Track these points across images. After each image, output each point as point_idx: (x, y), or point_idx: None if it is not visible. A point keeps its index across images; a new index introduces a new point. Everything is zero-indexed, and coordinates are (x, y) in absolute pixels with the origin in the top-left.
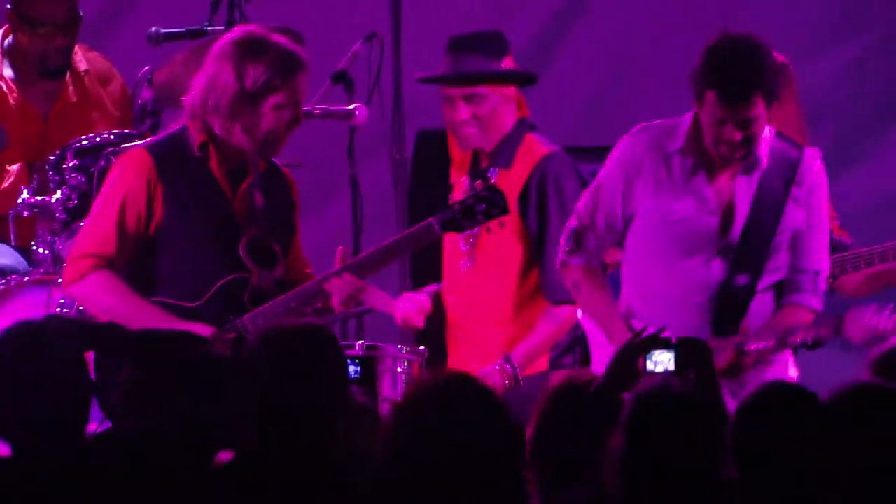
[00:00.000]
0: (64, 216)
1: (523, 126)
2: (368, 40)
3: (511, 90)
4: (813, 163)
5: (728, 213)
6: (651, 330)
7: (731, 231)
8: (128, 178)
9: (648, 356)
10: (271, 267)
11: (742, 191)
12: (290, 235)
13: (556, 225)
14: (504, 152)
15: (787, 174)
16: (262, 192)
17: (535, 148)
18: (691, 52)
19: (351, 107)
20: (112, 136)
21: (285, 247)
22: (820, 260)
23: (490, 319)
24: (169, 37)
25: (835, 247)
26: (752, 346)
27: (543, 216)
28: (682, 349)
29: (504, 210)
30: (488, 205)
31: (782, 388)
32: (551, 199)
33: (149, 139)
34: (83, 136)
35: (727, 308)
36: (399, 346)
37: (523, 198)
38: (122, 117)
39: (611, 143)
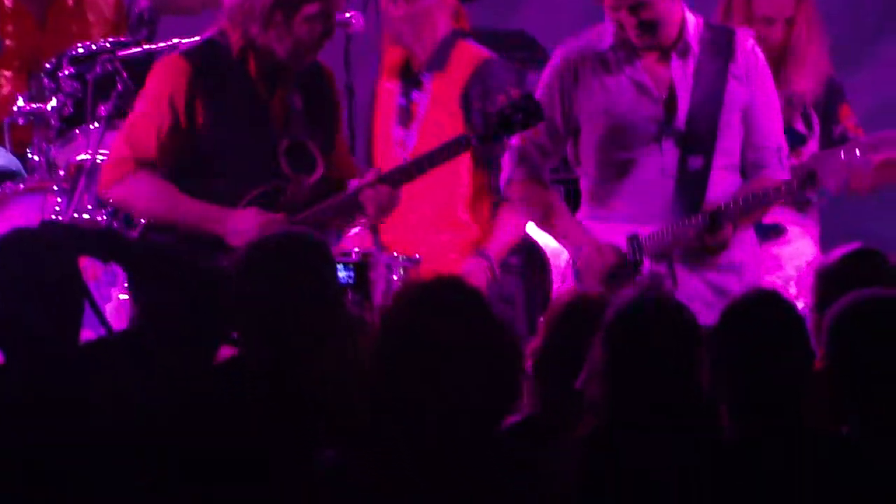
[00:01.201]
0: (59, 124)
1: (458, 33)
2: None
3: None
4: (745, 41)
5: (670, 99)
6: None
7: (677, 115)
8: (166, 83)
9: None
10: (310, 171)
11: (679, 75)
12: (331, 135)
13: None
14: (437, 56)
15: (721, 54)
16: (300, 95)
17: (472, 51)
18: None
19: (347, 15)
20: (108, 44)
21: (326, 148)
22: (778, 135)
23: (443, 225)
24: None
25: None
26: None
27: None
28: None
29: (541, 118)
30: (525, 114)
31: (762, 296)
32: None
33: (185, 44)
34: (79, 44)
35: (687, 192)
36: (395, 254)
37: (465, 99)
38: (118, 24)
39: None
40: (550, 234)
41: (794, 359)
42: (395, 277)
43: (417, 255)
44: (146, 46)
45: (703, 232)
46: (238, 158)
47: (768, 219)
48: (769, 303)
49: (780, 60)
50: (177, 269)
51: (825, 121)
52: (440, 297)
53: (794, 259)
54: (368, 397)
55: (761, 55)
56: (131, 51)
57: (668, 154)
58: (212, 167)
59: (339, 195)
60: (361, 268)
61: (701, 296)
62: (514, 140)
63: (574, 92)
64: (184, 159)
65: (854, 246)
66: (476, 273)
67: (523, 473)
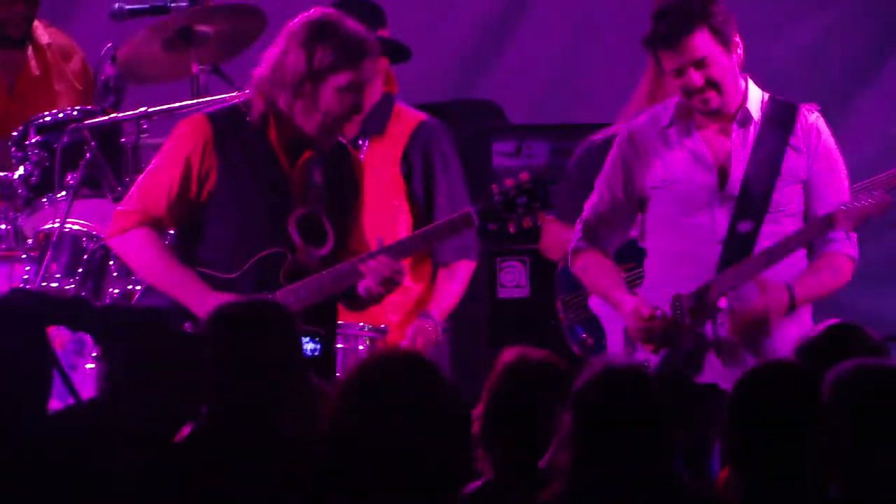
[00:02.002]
0: (26, 192)
1: (389, 97)
2: None
3: (383, 62)
4: (809, 113)
5: (725, 166)
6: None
7: (730, 182)
8: (186, 142)
9: None
10: (319, 245)
11: (737, 143)
12: (348, 216)
13: (443, 188)
14: (375, 120)
15: (782, 124)
16: (322, 168)
17: (408, 114)
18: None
19: None
20: (75, 112)
21: (341, 227)
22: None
23: None
24: (133, 13)
25: None
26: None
27: (430, 181)
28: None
29: (545, 204)
30: (529, 197)
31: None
32: (436, 164)
33: (210, 108)
34: (46, 112)
35: (733, 255)
36: (361, 324)
37: (405, 161)
38: (85, 92)
39: (572, 121)
40: (605, 300)
41: (810, 430)
42: (360, 348)
43: (383, 325)
44: (113, 115)
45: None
46: (251, 221)
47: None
48: (786, 375)
49: None
50: (144, 336)
51: None
52: (393, 373)
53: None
54: (325, 472)
55: (825, 129)
56: (98, 119)
57: (720, 219)
58: (223, 227)
59: (339, 265)
60: (327, 340)
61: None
62: (584, 213)
63: (635, 165)
64: (194, 218)
65: (834, 321)
66: (421, 335)
67: None
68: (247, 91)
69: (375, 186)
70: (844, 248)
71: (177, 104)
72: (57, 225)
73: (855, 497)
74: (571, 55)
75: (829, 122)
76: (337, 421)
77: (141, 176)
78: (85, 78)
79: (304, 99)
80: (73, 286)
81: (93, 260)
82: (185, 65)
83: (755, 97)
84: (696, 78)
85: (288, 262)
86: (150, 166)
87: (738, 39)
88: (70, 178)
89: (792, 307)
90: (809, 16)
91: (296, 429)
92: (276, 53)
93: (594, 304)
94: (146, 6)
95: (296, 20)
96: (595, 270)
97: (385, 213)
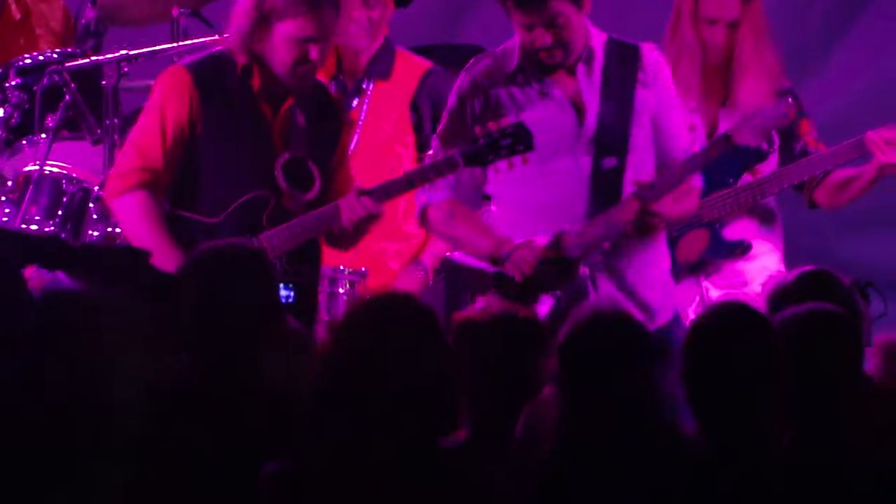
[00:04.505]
0: (6, 135)
1: (390, 42)
2: None
3: (389, 6)
4: (651, 52)
5: (579, 106)
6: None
7: (587, 120)
8: (168, 94)
9: None
10: (306, 189)
11: (585, 84)
12: (333, 159)
13: None
14: (380, 64)
15: (628, 61)
16: (305, 114)
17: (414, 61)
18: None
19: None
20: (55, 55)
21: (327, 171)
22: (684, 140)
23: (386, 234)
24: None
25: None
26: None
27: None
28: None
29: (529, 147)
30: (514, 140)
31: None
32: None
33: (190, 58)
34: (26, 55)
35: (602, 193)
36: (340, 267)
37: (414, 109)
38: (65, 35)
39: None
40: (473, 251)
41: (766, 368)
42: (340, 290)
43: (363, 269)
44: (93, 58)
45: (637, 212)
46: (235, 169)
47: (733, 235)
48: (740, 315)
49: (724, 66)
50: (122, 276)
51: (784, 136)
52: (393, 316)
53: (760, 275)
54: (312, 412)
55: (666, 66)
56: (79, 62)
57: (582, 160)
58: (209, 176)
59: (322, 207)
60: (304, 286)
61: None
62: (426, 160)
63: (484, 113)
64: (187, 167)
65: (806, 268)
66: (412, 282)
67: (477, 493)
68: (226, 36)
69: (380, 131)
70: (695, 180)
71: (157, 47)
72: (37, 167)
73: (804, 441)
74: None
75: (809, 70)
76: (328, 361)
77: (130, 135)
78: (65, 21)
79: (259, 45)
80: (52, 228)
81: (72, 202)
82: (165, 8)
83: (597, 35)
84: (546, 38)
85: (272, 206)
86: (139, 124)
87: None
88: (50, 121)
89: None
90: None
91: (277, 372)
92: (241, 2)
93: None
94: None
95: None
96: (459, 221)
97: (388, 158)
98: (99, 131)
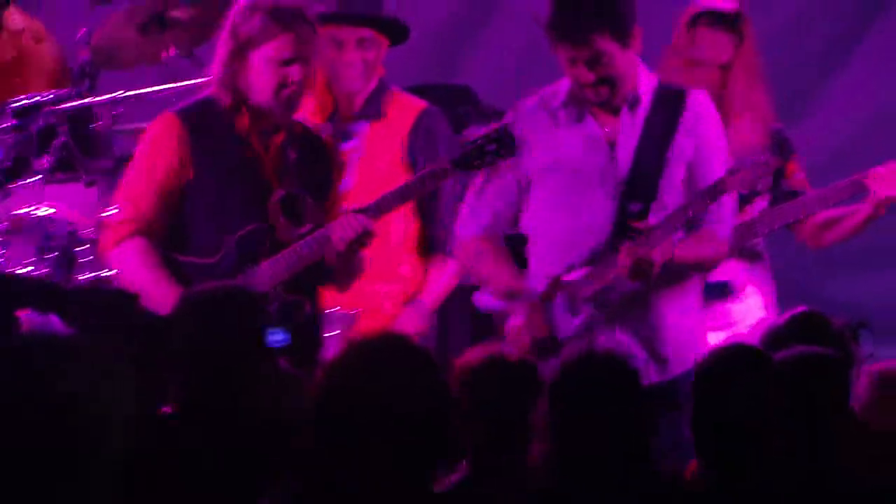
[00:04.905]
0: None
1: (385, 82)
2: None
3: (384, 44)
4: (698, 97)
5: (615, 147)
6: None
7: (619, 163)
8: (158, 142)
9: None
10: (301, 223)
11: (626, 126)
12: (327, 197)
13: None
14: (373, 104)
15: (673, 107)
16: (297, 150)
17: (408, 100)
18: None
19: None
20: (51, 96)
21: (321, 207)
22: None
23: (381, 276)
24: None
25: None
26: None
27: None
28: None
29: (512, 152)
30: (499, 145)
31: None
32: (442, 153)
33: (179, 104)
34: (21, 96)
35: (623, 237)
36: (333, 309)
37: (409, 149)
38: (60, 76)
39: None
40: (494, 289)
41: (769, 408)
42: (333, 333)
43: (354, 310)
44: (88, 99)
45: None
46: (229, 209)
47: (718, 276)
48: (744, 358)
49: (716, 107)
50: (113, 319)
51: (774, 176)
52: (388, 358)
53: (745, 316)
54: (304, 451)
55: (713, 111)
56: (73, 103)
57: (609, 200)
58: (202, 219)
59: (316, 232)
60: (298, 328)
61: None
62: (468, 198)
63: (523, 146)
64: (180, 212)
65: (798, 309)
66: (412, 322)
67: None
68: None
69: (376, 171)
70: (720, 230)
71: (150, 89)
72: (30, 209)
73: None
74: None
75: (808, 98)
76: (324, 403)
77: (122, 184)
78: (59, 62)
79: (240, 76)
80: (44, 271)
81: (64, 245)
82: (158, 49)
83: (646, 79)
84: (589, 74)
85: (269, 238)
86: (130, 173)
87: (637, 31)
88: (43, 162)
89: (672, 264)
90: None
91: (265, 413)
92: (220, 41)
93: (480, 299)
94: None
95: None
96: (488, 258)
97: None
98: (91, 174)
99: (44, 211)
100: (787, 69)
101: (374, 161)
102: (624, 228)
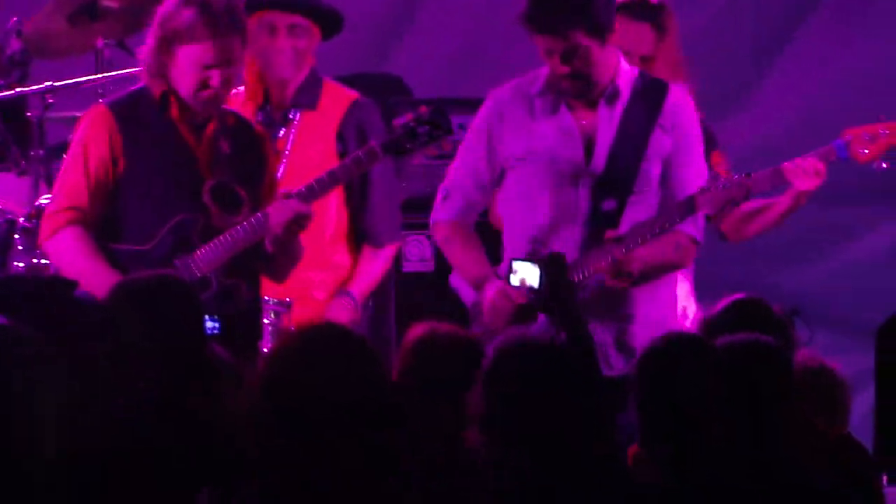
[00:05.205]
0: None
1: (316, 72)
2: None
3: (316, 35)
4: (677, 93)
5: (591, 143)
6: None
7: (595, 158)
8: (90, 133)
9: (512, 271)
10: (235, 212)
11: (604, 121)
12: (260, 185)
13: (379, 168)
14: (306, 94)
15: (651, 103)
16: (229, 140)
17: (340, 91)
18: None
19: None
20: None
21: (255, 196)
22: (693, 188)
23: (314, 263)
24: None
25: None
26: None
27: None
28: (547, 264)
29: (448, 131)
30: (432, 126)
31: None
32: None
33: (110, 96)
34: None
35: (596, 233)
36: (265, 297)
37: (340, 138)
38: None
39: (477, 96)
40: (462, 276)
41: (711, 393)
42: (265, 321)
43: (288, 299)
44: (18, 89)
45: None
46: (162, 198)
47: None
48: (688, 345)
49: None
50: (48, 307)
51: None
52: (325, 348)
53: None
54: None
55: (691, 107)
56: (4, 93)
57: (583, 197)
58: (136, 208)
59: (251, 217)
60: (230, 318)
61: (605, 346)
62: (445, 181)
63: (499, 134)
64: (114, 202)
65: (739, 295)
66: (342, 312)
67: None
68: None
69: (307, 160)
70: (687, 228)
71: (82, 78)
72: None
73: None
74: (479, 30)
75: (737, 98)
76: (267, 393)
77: (58, 176)
78: None
79: (165, 69)
80: None
81: None
82: (89, 39)
83: (625, 72)
84: (563, 67)
85: (201, 225)
86: (64, 164)
87: (615, 26)
88: None
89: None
90: None
91: (206, 404)
92: (149, 31)
93: (453, 280)
94: None
95: None
96: (458, 246)
97: None
98: (24, 163)
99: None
100: (718, 64)
101: (305, 150)
102: (597, 225)
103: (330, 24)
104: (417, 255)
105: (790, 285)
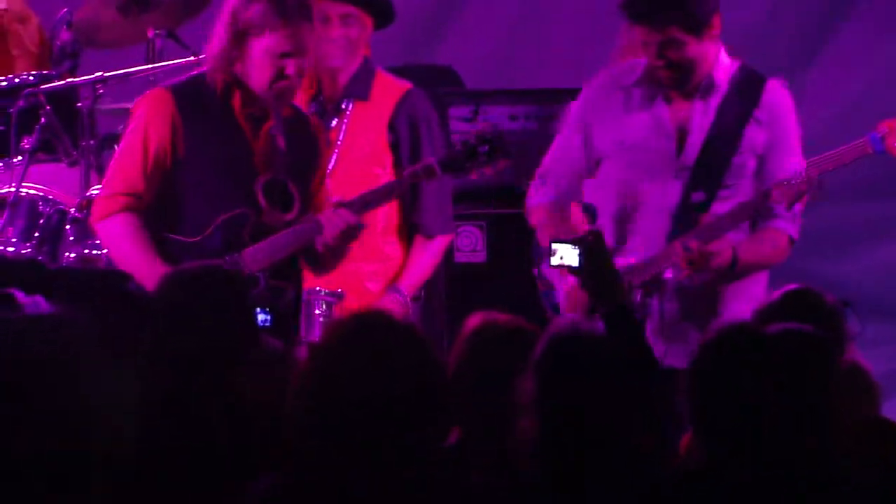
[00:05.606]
0: None
1: (370, 62)
2: None
3: (369, 25)
4: (776, 87)
5: (683, 135)
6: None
7: (687, 151)
8: (149, 116)
9: (552, 252)
10: (286, 209)
11: (698, 113)
12: (312, 181)
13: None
14: (359, 84)
15: (748, 97)
16: (285, 136)
17: (393, 81)
18: None
19: None
20: (31, 77)
21: (306, 193)
22: None
23: (365, 255)
24: None
25: None
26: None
27: (417, 151)
28: (585, 243)
29: (507, 154)
30: (491, 146)
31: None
32: (423, 133)
33: (171, 80)
34: (2, 77)
35: (683, 226)
36: (316, 288)
37: (392, 129)
38: (41, 57)
39: (528, 86)
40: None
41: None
42: (316, 312)
43: (340, 290)
44: (69, 79)
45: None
46: (217, 190)
47: None
48: (745, 336)
49: None
50: (100, 298)
51: None
52: (375, 335)
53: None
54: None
55: (790, 102)
56: (54, 84)
57: (673, 189)
58: (191, 197)
59: (302, 221)
60: (282, 309)
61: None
62: (540, 167)
63: (595, 123)
64: (169, 189)
65: (792, 286)
66: (393, 305)
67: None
68: (202, 57)
69: (358, 151)
70: (787, 226)
71: (132, 69)
72: (13, 189)
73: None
74: (528, 19)
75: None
76: (308, 380)
77: (114, 159)
78: (40, 42)
79: (237, 63)
80: (29, 250)
81: (49, 224)
82: (140, 29)
83: (724, 66)
84: (659, 59)
85: (253, 223)
86: (121, 147)
87: (715, 22)
88: (26, 143)
89: (733, 267)
90: None
91: (255, 391)
92: (219, 23)
93: (545, 269)
94: None
95: None
96: (550, 229)
97: (365, 179)
98: (75, 153)
99: (27, 190)
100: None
101: (356, 140)
102: (685, 217)
103: (382, 14)
104: (469, 246)
105: (840, 276)
